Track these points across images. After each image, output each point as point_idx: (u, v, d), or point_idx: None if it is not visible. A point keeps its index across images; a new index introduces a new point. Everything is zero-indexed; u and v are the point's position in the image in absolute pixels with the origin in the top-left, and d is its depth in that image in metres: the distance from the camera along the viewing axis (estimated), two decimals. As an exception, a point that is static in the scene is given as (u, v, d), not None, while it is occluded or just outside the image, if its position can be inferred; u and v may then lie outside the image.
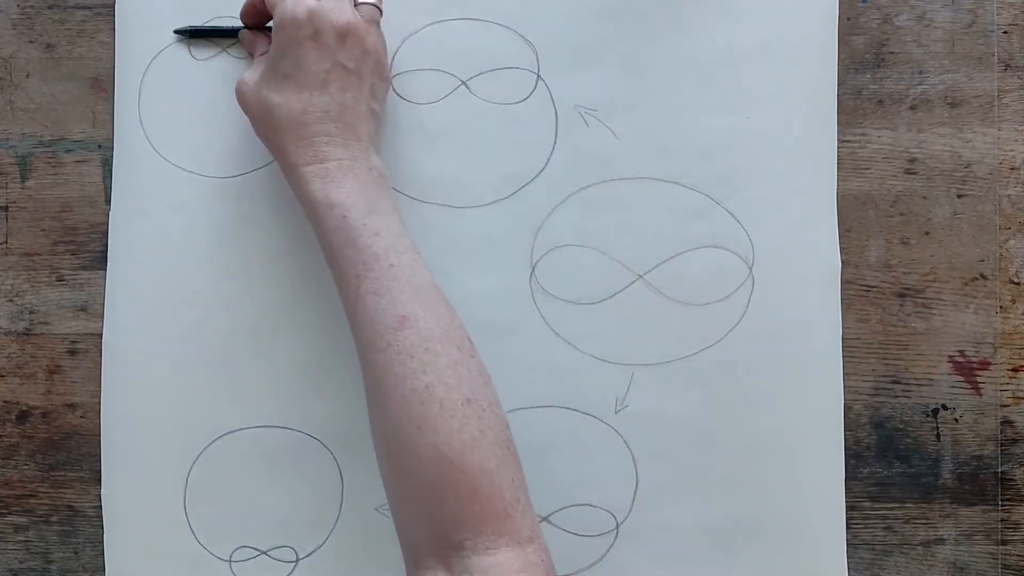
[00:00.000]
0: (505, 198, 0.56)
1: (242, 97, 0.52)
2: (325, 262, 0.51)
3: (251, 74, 0.52)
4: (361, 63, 0.51)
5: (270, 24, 0.52)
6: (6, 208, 0.58)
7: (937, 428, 0.56)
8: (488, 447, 0.45)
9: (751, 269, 0.56)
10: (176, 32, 0.56)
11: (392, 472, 0.46)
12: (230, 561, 0.56)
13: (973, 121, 0.57)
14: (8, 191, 0.57)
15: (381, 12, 0.53)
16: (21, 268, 0.57)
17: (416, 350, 0.46)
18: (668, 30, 0.57)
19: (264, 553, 0.56)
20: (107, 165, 0.57)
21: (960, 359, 0.57)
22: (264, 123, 0.51)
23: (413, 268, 0.48)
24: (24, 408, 0.57)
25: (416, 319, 0.47)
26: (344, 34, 0.50)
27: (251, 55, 0.55)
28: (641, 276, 0.56)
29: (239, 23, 0.56)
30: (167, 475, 0.56)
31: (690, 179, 0.56)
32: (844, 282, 0.56)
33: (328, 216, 0.49)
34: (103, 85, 0.58)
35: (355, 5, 0.52)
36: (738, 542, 0.55)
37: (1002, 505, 0.56)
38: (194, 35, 0.56)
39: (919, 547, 0.56)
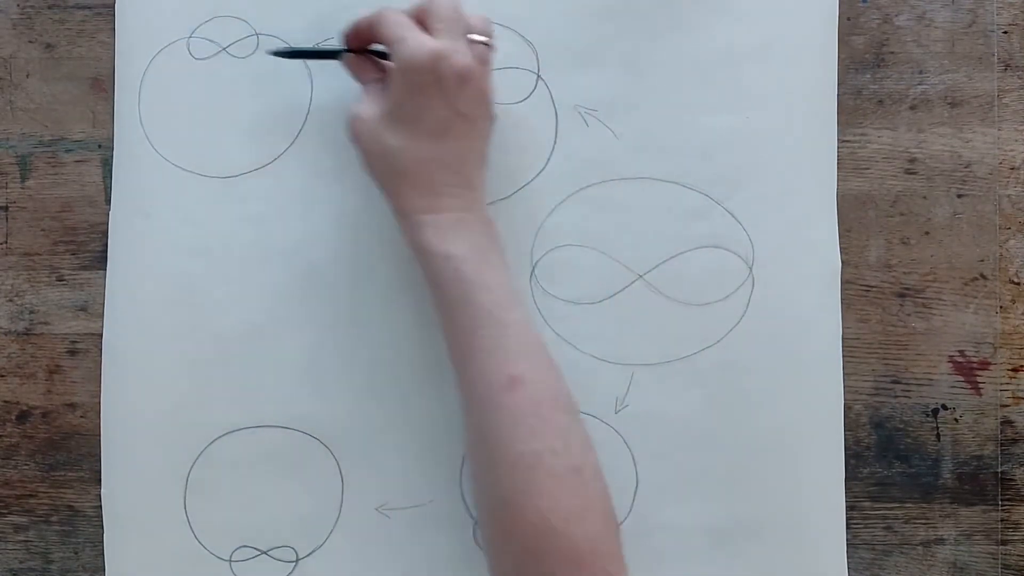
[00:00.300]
0: (505, 198, 0.56)
1: (357, 134, 0.50)
2: (432, 308, 0.50)
3: (366, 108, 0.50)
4: (477, 108, 0.50)
5: (373, 47, 0.52)
6: (6, 208, 0.58)
7: (937, 428, 0.56)
8: (594, 517, 0.44)
9: (751, 269, 0.56)
10: (273, 53, 0.54)
11: (495, 534, 0.46)
12: (230, 561, 0.56)
13: (973, 121, 0.57)
14: (8, 191, 0.57)
15: (492, 49, 0.51)
16: (21, 268, 0.57)
17: (526, 414, 0.45)
18: (668, 30, 0.57)
19: (264, 553, 0.56)
20: (107, 165, 0.57)
21: (960, 359, 0.57)
22: (379, 165, 0.50)
23: (524, 326, 0.48)
24: (24, 408, 0.57)
25: (527, 381, 0.46)
26: (464, 80, 0.48)
27: (357, 79, 0.53)
28: (641, 276, 0.56)
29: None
30: (167, 475, 0.56)
31: (690, 179, 0.56)
32: (844, 282, 0.56)
33: (442, 268, 0.48)
34: (103, 85, 0.58)
35: (469, 43, 0.50)
36: (738, 542, 0.55)
37: (1002, 505, 0.56)
38: (294, 56, 0.54)
39: (919, 547, 0.56)
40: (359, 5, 0.57)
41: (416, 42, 0.48)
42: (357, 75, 0.53)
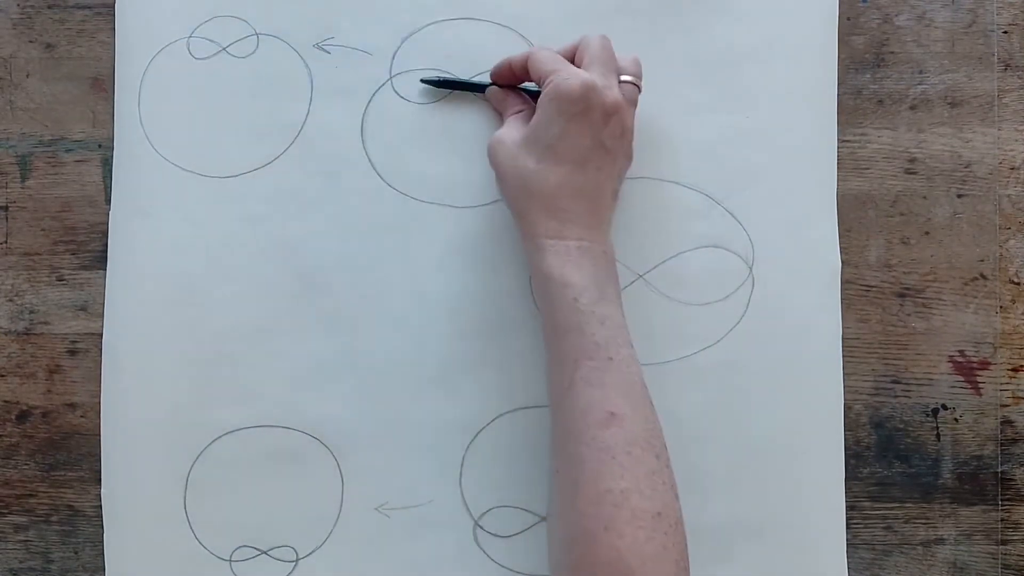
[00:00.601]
0: (505, 198, 0.56)
1: (496, 156, 0.51)
2: (542, 333, 0.51)
3: (508, 133, 0.51)
4: (618, 143, 0.51)
5: (522, 85, 0.53)
6: (6, 208, 0.58)
7: (937, 428, 0.56)
8: (669, 564, 0.44)
9: (751, 269, 0.56)
10: (423, 81, 0.56)
11: (569, 564, 0.45)
12: (230, 561, 0.56)
13: (973, 121, 0.57)
14: (8, 191, 0.57)
15: (640, 91, 0.52)
16: (21, 268, 0.57)
17: (619, 451, 0.45)
18: (668, 30, 0.57)
19: (264, 553, 0.56)
20: (107, 165, 0.57)
21: (960, 359, 0.57)
22: (514, 186, 0.50)
23: (629, 364, 0.48)
24: (24, 408, 0.57)
25: (624, 419, 0.46)
26: (611, 114, 0.49)
27: (498, 111, 0.55)
28: (641, 276, 0.56)
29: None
30: (167, 475, 0.56)
31: (690, 179, 0.56)
32: (844, 282, 0.56)
33: (560, 295, 0.48)
34: (103, 85, 0.58)
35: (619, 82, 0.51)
36: (738, 542, 0.55)
37: (1002, 505, 0.56)
38: (442, 86, 0.56)
39: (919, 547, 0.56)
40: (359, 4, 0.57)
41: (569, 72, 0.49)
42: (500, 108, 0.55)
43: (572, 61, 0.52)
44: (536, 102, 0.51)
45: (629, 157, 0.53)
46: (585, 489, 0.45)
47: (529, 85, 0.54)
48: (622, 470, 0.45)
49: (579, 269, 0.48)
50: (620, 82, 0.51)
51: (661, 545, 0.44)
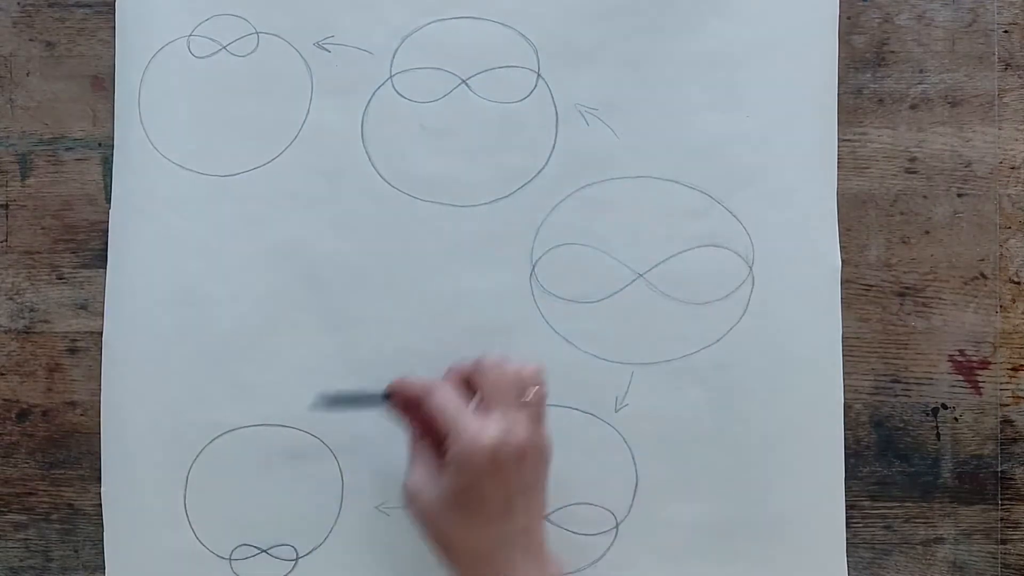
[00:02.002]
0: (505, 197, 0.56)
1: (413, 510, 0.49)
2: None
3: (422, 483, 0.48)
4: (535, 474, 0.48)
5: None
6: (6, 206, 0.58)
7: (937, 427, 0.57)
8: None
9: (751, 268, 0.56)
10: (313, 408, 0.52)
11: None
12: (230, 559, 0.56)
13: (973, 120, 0.57)
14: (8, 189, 0.57)
15: (546, 394, 0.49)
16: (21, 266, 0.57)
17: None
18: (668, 29, 0.57)
19: (264, 551, 0.56)
20: (107, 163, 0.57)
21: (960, 358, 0.57)
22: (440, 547, 0.48)
23: None
24: (24, 406, 0.57)
25: None
26: (523, 457, 0.47)
27: (402, 425, 0.52)
28: (641, 275, 0.56)
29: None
30: (167, 473, 0.56)
31: (690, 178, 0.56)
32: (844, 281, 0.56)
33: None
34: (103, 83, 0.58)
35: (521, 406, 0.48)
36: (738, 541, 0.55)
37: (1002, 504, 0.56)
38: (338, 403, 0.52)
39: (919, 546, 0.56)
40: (359, 3, 0.57)
41: (470, 436, 0.46)
42: (403, 423, 0.51)
43: (469, 382, 0.49)
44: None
45: (549, 462, 0.49)
46: None
47: None
48: None
49: None
50: (525, 397, 0.48)
51: None
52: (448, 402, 0.48)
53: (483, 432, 0.46)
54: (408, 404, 0.50)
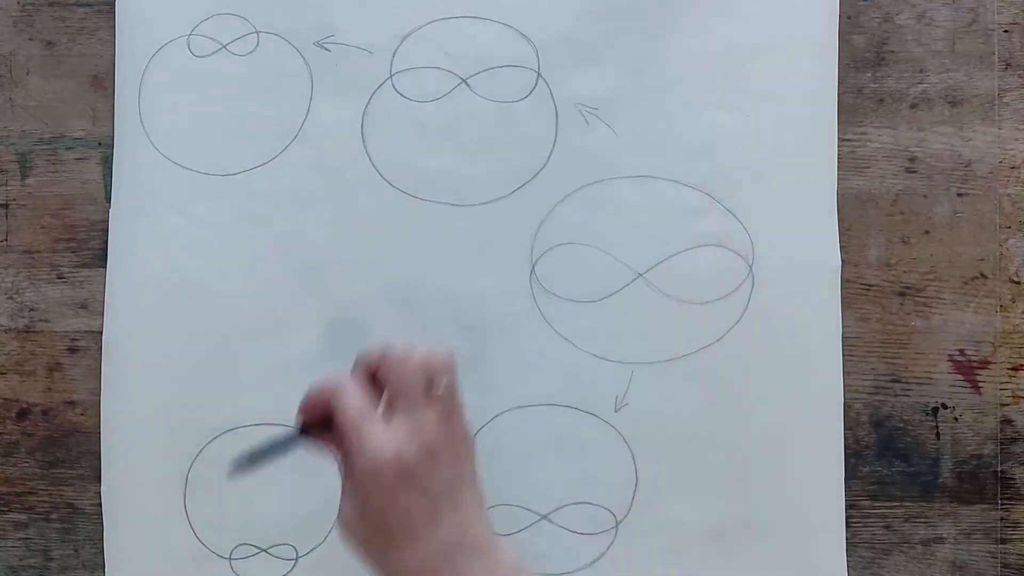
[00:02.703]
0: (505, 196, 0.56)
1: (349, 542, 0.44)
2: None
3: (350, 514, 0.43)
4: (458, 469, 0.44)
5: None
6: (6, 205, 0.58)
7: (937, 427, 0.56)
8: None
9: (751, 268, 0.56)
10: (232, 467, 0.45)
11: None
12: (230, 559, 0.56)
13: (973, 120, 0.57)
14: (8, 188, 0.57)
15: (456, 376, 0.44)
16: (21, 266, 0.57)
17: None
18: (668, 28, 0.57)
19: (264, 551, 0.56)
20: (107, 163, 0.57)
21: (960, 358, 0.57)
22: (379, 570, 0.44)
23: None
24: (24, 405, 0.57)
25: None
26: (434, 456, 0.42)
27: (330, 452, 0.46)
28: (641, 274, 0.56)
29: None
30: (167, 473, 0.56)
31: (690, 177, 0.56)
32: (844, 281, 0.56)
33: None
34: (103, 82, 0.58)
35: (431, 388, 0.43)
36: (738, 540, 0.55)
37: (1001, 504, 0.56)
38: (254, 460, 0.45)
39: (919, 546, 0.56)
40: (359, 2, 0.57)
41: (372, 447, 0.42)
42: (328, 451, 0.46)
43: (376, 375, 0.44)
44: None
45: (472, 445, 0.45)
46: None
47: None
48: None
49: None
50: (433, 388, 0.43)
51: None
52: (350, 408, 0.43)
53: (387, 442, 0.42)
54: (325, 423, 0.45)
